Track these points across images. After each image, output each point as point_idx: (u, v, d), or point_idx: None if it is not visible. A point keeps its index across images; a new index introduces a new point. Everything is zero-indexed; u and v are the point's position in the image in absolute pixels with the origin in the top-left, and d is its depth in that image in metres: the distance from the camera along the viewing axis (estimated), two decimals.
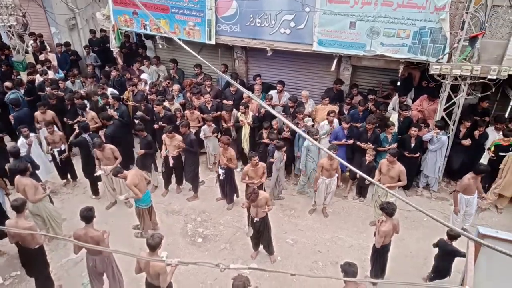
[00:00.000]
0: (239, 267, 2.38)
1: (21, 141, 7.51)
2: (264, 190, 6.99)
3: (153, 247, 4.68)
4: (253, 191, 5.85)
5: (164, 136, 7.60)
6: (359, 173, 2.76)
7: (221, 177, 7.51)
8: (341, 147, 7.70)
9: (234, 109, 8.68)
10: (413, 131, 7.43)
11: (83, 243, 4.83)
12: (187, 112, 8.58)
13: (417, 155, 7.64)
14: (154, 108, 8.50)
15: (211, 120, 8.33)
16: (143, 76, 10.17)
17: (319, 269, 6.28)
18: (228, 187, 7.64)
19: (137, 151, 8.16)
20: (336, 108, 8.35)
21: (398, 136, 7.75)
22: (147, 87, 9.68)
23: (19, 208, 5.33)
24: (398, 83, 8.04)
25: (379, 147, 7.65)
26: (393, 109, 8.48)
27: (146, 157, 7.87)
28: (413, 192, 8.21)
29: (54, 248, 6.71)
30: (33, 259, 5.62)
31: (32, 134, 7.74)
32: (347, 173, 8.07)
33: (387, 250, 5.76)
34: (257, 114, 8.62)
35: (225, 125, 8.78)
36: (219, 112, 8.84)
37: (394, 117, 8.13)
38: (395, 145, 7.54)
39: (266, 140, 7.96)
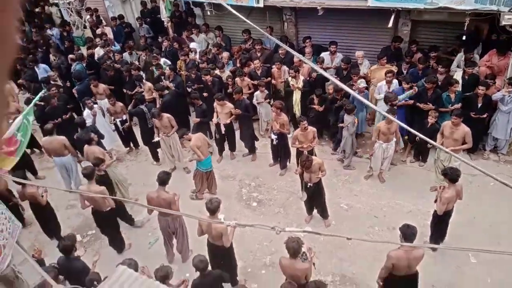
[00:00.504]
0: (294, 230, 2.42)
1: (86, 112, 8.06)
2: (316, 155, 6.93)
3: (213, 211, 4.93)
4: (307, 158, 5.83)
5: (215, 103, 7.74)
6: (421, 136, 2.62)
7: (274, 143, 7.56)
8: (400, 110, 7.32)
9: (284, 66, 8.52)
10: (481, 90, 6.83)
11: (155, 205, 5.27)
12: (237, 79, 8.60)
13: (485, 115, 7.06)
14: (203, 78, 8.58)
15: (264, 85, 8.28)
16: (192, 45, 10.26)
17: (375, 234, 6.22)
18: (282, 153, 7.68)
19: (193, 119, 8.40)
20: (394, 68, 7.88)
21: (464, 95, 7.16)
22: (197, 56, 9.78)
23: (90, 175, 5.82)
24: (464, 38, 7.34)
25: (441, 108, 7.16)
26: (458, 66, 7.81)
27: (201, 125, 8.10)
28: (479, 155, 7.68)
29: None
30: (105, 221, 6.18)
31: (95, 106, 8.25)
32: (406, 137, 7.69)
33: (448, 216, 5.54)
34: (308, 78, 8.41)
35: (273, 82, 8.68)
36: (269, 78, 8.76)
37: (458, 75, 7.52)
38: (458, 105, 7.00)
39: (317, 107, 7.79)
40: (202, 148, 6.72)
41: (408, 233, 4.35)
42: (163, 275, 4.26)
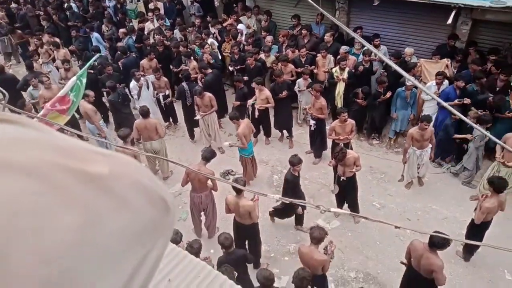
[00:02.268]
0: (339, 211, 2.38)
1: (133, 84, 8.30)
2: (352, 149, 6.79)
3: (238, 191, 5.02)
4: (340, 150, 5.73)
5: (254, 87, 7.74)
6: (492, 137, 2.44)
7: (312, 128, 7.50)
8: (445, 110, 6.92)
9: (330, 55, 8.34)
10: None
11: (194, 178, 5.60)
12: (280, 65, 8.51)
13: None
14: (247, 60, 8.56)
15: (308, 73, 8.15)
16: (240, 26, 10.23)
17: (406, 236, 6.02)
18: (318, 140, 7.57)
19: (233, 102, 8.43)
20: (447, 60, 7.49)
21: None
22: (243, 38, 9.76)
23: (125, 137, 6.28)
24: None
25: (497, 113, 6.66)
26: None
27: (240, 107, 8.12)
28: None
29: None
30: None
31: (142, 78, 8.47)
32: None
33: (485, 228, 5.27)
34: (353, 70, 8.17)
35: (315, 71, 8.53)
36: (313, 66, 8.61)
37: None
38: None
39: (361, 101, 7.60)
40: (247, 136, 6.79)
41: (439, 241, 4.19)
42: (198, 247, 4.50)
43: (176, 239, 4.47)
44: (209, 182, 5.85)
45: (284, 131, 8.46)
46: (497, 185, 4.87)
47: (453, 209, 6.49)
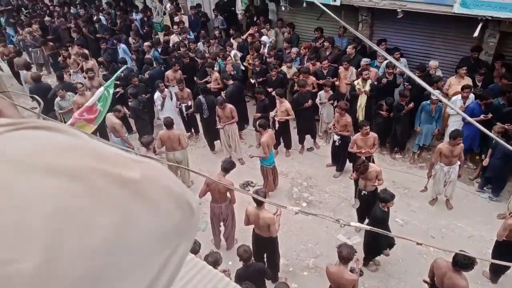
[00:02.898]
0: (360, 226, 2.35)
1: (157, 94, 8.50)
2: (374, 162, 6.68)
3: (258, 202, 5.00)
4: (362, 163, 5.66)
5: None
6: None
7: (337, 143, 7.43)
8: (471, 126, 6.74)
9: (352, 67, 8.30)
10: None
11: (214, 188, 5.65)
12: (301, 77, 8.52)
13: None
14: (272, 72, 8.60)
15: (329, 85, 8.13)
16: (264, 38, 10.34)
17: (429, 254, 5.84)
18: (342, 154, 7.52)
19: (254, 114, 8.48)
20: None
21: None
22: (266, 50, 9.85)
23: (147, 144, 6.47)
24: None
25: None
26: None
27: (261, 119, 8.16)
28: None
29: None
30: None
31: (166, 90, 8.66)
32: (477, 157, 7.06)
33: None
34: (375, 82, 8.09)
35: (337, 83, 8.49)
36: (335, 79, 8.58)
37: None
38: None
39: (385, 113, 7.49)
40: (270, 146, 6.82)
41: (462, 261, 4.04)
42: (214, 261, 4.43)
43: (195, 248, 4.49)
44: (228, 193, 5.88)
45: (306, 141, 8.44)
46: None
47: (480, 227, 6.25)
